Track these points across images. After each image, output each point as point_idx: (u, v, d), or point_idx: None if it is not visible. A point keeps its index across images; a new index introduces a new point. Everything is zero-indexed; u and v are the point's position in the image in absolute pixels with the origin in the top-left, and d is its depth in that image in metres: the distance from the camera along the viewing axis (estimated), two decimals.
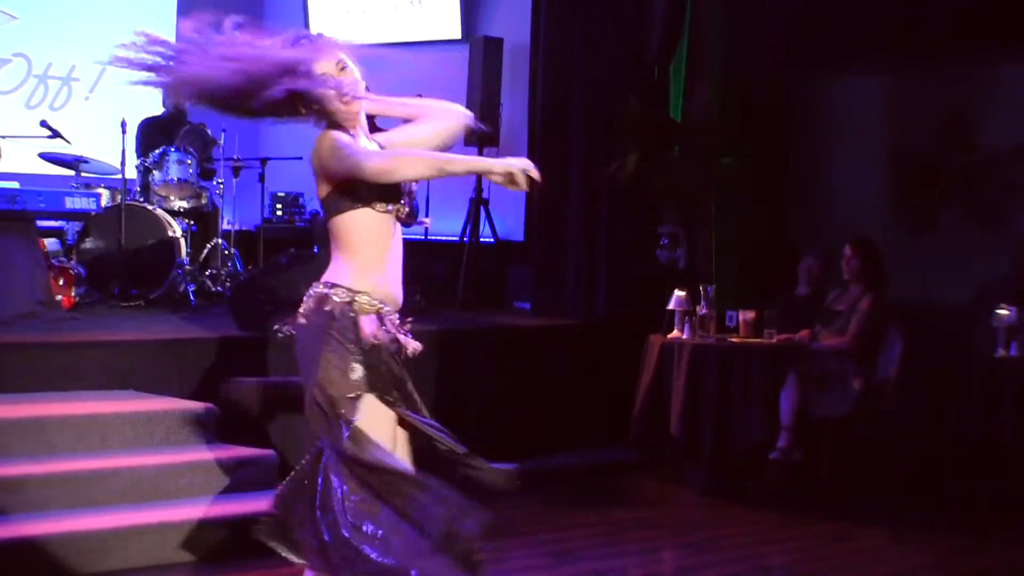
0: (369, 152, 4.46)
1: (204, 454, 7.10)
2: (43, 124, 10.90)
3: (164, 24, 13.80)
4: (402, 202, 4.51)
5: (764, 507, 8.13)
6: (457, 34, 12.74)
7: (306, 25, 13.86)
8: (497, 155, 11.19)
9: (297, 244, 10.93)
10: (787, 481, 8.43)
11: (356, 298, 4.41)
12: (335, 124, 4.48)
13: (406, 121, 4.85)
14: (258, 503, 6.36)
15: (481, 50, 11.40)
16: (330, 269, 4.52)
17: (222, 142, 11.42)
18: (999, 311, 8.28)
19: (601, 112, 10.39)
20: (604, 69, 10.49)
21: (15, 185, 9.60)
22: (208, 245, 11.10)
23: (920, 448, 8.57)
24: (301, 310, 4.51)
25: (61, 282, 9.74)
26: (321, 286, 4.47)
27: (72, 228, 10.75)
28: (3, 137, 10.59)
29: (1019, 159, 9.51)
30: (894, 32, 9.94)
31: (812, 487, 8.40)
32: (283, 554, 4.58)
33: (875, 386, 8.60)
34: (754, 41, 10.42)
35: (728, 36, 10.39)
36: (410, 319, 4.67)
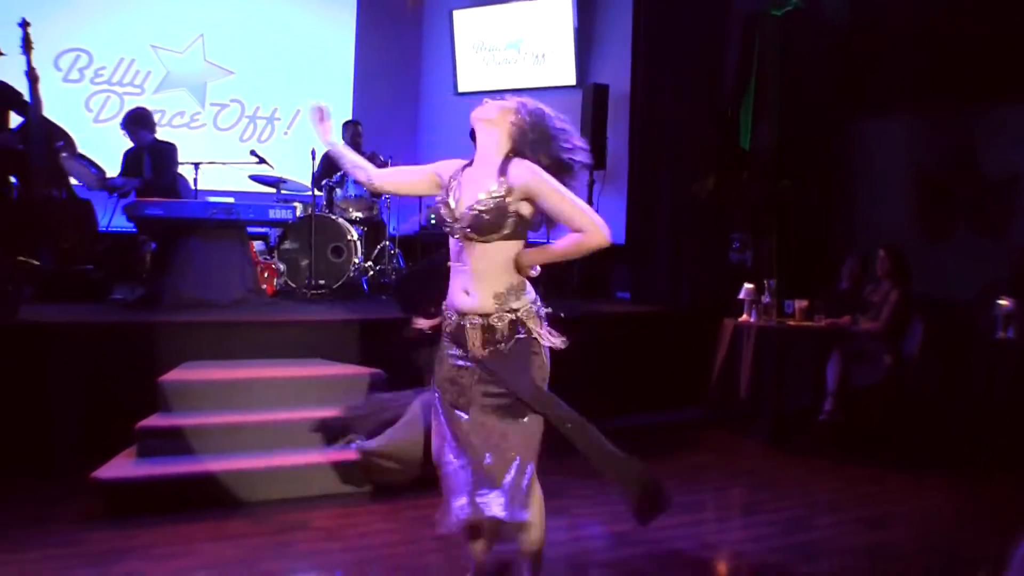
0: None
1: None
2: (252, 153, 10.95)
3: (341, 79, 14.08)
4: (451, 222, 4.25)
5: (812, 456, 8.13)
6: (572, 81, 12.68)
7: (454, 77, 14.02)
8: (604, 178, 11.33)
9: (447, 246, 10.92)
10: (831, 435, 8.48)
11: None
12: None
13: None
14: None
15: (591, 94, 11.35)
16: None
17: (389, 165, 11.44)
18: (999, 302, 8.27)
19: (686, 143, 10.39)
20: (688, 109, 10.46)
21: (231, 200, 9.66)
22: (378, 247, 11.10)
23: (937, 409, 8.56)
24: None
25: (266, 275, 9.96)
26: None
27: (274, 233, 10.81)
28: (224, 163, 10.80)
29: (1014, 185, 9.49)
30: (917, 82, 9.97)
31: (851, 441, 8.42)
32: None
33: (901, 361, 8.61)
34: (806, 87, 10.49)
35: (785, 83, 10.44)
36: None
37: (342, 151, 4.68)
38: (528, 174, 4.10)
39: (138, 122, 10.20)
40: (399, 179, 4.75)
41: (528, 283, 4.28)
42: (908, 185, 10.47)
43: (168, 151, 10.34)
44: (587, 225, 3.97)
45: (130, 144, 10.22)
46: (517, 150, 4.23)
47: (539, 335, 4.20)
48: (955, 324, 8.75)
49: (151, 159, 10.15)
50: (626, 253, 11.06)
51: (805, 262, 10.33)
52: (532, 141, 4.19)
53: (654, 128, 10.71)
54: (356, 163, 4.65)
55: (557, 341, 4.25)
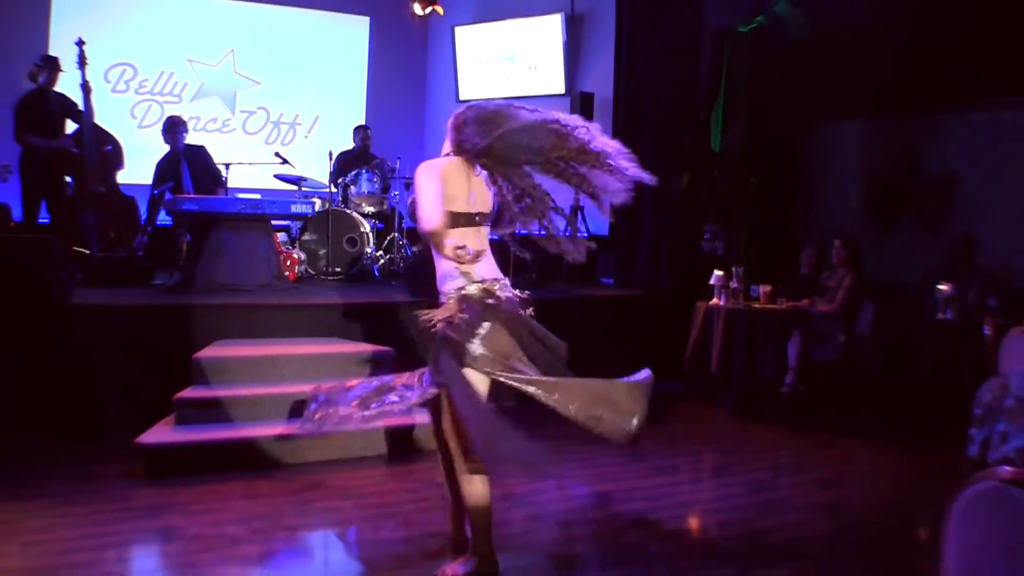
0: None
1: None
2: (276, 154, 11.01)
3: (355, 89, 14.11)
4: None
5: (776, 423, 8.15)
6: (562, 90, 12.68)
7: (456, 85, 14.03)
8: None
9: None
10: (792, 405, 8.51)
11: None
12: None
13: None
14: (418, 416, 6.66)
15: (579, 101, 11.33)
16: None
17: (397, 166, 11.51)
18: (939, 287, 8.33)
19: (663, 145, 10.37)
20: (665, 114, 10.43)
21: (258, 196, 9.69)
22: (388, 237, 11.12)
23: (885, 382, 8.60)
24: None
25: (288, 263, 9.93)
26: None
27: (295, 226, 10.85)
28: (251, 164, 10.93)
29: (951, 183, 9.54)
30: (868, 92, 10.12)
31: (810, 410, 8.46)
32: None
33: (854, 339, 8.67)
34: (770, 96, 10.51)
35: (752, 92, 10.47)
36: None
37: None
38: None
39: (171, 130, 10.41)
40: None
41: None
42: (859, 183, 10.56)
43: (202, 153, 10.50)
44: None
45: (163, 151, 10.33)
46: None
47: None
48: (901, 306, 8.79)
49: (187, 161, 10.28)
50: (610, 243, 11.08)
51: (769, 251, 10.39)
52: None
53: (635, 131, 10.67)
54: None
55: None
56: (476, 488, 4.34)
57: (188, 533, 5.00)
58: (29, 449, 6.43)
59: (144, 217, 10.26)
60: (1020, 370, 2.52)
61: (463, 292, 4.32)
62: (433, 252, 4.43)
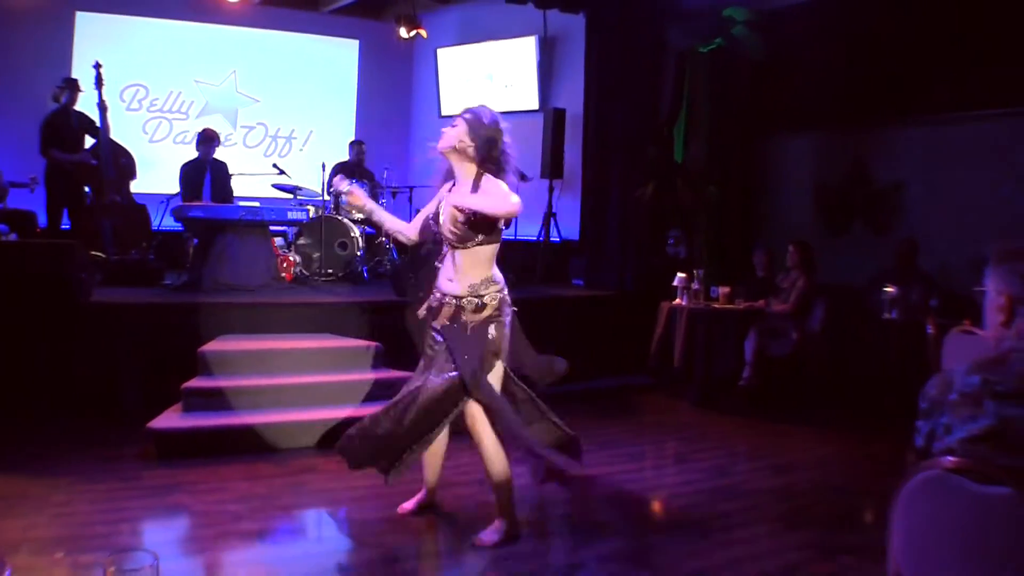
0: None
1: (372, 375, 7.24)
2: (274, 166, 11.00)
3: (346, 105, 14.18)
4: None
5: (734, 415, 8.20)
6: (536, 106, 12.69)
7: (439, 102, 14.05)
8: (562, 186, 11.37)
9: (432, 243, 10.97)
10: (749, 398, 8.55)
11: None
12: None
13: None
14: None
15: (552, 117, 11.33)
16: None
17: (385, 176, 11.54)
18: (885, 288, 8.40)
19: (630, 156, 10.36)
20: (632, 128, 10.39)
21: (257, 204, 9.69)
22: (376, 242, 11.12)
23: (835, 376, 8.65)
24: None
25: (284, 265, 9.90)
26: None
27: (291, 231, 10.78)
28: (252, 175, 11.00)
29: (897, 191, 9.61)
30: (820, 107, 10.13)
31: (765, 402, 8.50)
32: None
33: (807, 337, 8.71)
34: (729, 111, 10.59)
35: (712, 107, 10.56)
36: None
37: (383, 218, 4.93)
38: (493, 190, 4.34)
39: (206, 141, 10.65)
40: (423, 223, 4.81)
41: (498, 275, 4.56)
42: (812, 190, 10.56)
43: (224, 169, 10.80)
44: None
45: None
46: (482, 165, 4.45)
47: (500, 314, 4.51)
48: (850, 306, 8.83)
49: (212, 172, 10.54)
50: (581, 247, 11.10)
51: (728, 255, 10.41)
52: (485, 147, 4.44)
53: (603, 144, 10.70)
54: (397, 228, 4.92)
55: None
56: (499, 466, 4.61)
57: (194, 509, 5.09)
58: (56, 432, 6.50)
59: (155, 224, 10.37)
60: (962, 367, 2.56)
61: (503, 295, 4.55)
62: (461, 257, 4.52)
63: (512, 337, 4.63)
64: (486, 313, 4.48)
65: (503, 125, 4.53)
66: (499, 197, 4.31)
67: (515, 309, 4.67)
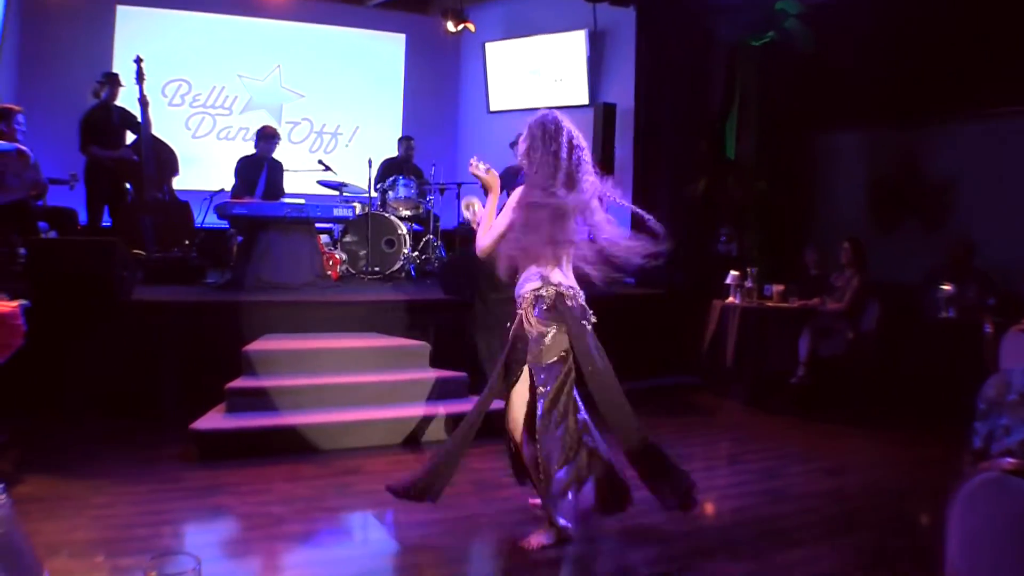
0: None
1: (420, 375, 7.23)
2: (320, 162, 11.09)
3: (392, 101, 14.19)
4: None
5: (785, 414, 8.13)
6: (585, 101, 12.61)
7: (487, 98, 14.07)
8: (612, 182, 11.32)
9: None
10: (801, 398, 8.49)
11: None
12: None
13: None
14: (453, 407, 6.75)
15: (601, 112, 11.34)
16: None
17: (433, 172, 11.57)
18: (941, 287, 8.29)
19: (681, 152, 10.36)
20: (683, 123, 10.42)
21: (302, 201, 9.78)
22: (424, 239, 11.16)
23: (889, 377, 8.54)
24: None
25: (330, 263, 9.98)
26: None
27: (337, 229, 10.84)
28: (296, 171, 10.97)
29: (950, 187, 9.47)
30: (869, 102, 10.03)
31: (817, 402, 8.42)
32: None
33: (861, 336, 8.62)
34: (780, 106, 10.47)
35: (763, 102, 10.46)
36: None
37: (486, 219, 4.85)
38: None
39: (266, 138, 10.57)
40: None
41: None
42: (863, 186, 10.47)
43: (280, 168, 10.76)
44: None
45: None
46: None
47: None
48: (904, 305, 8.73)
49: (268, 169, 10.48)
50: None
51: (782, 253, 10.31)
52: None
53: (654, 139, 10.68)
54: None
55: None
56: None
57: (237, 512, 5.07)
58: (95, 431, 6.53)
59: (198, 221, 10.41)
60: (1021, 367, 2.52)
61: (537, 293, 4.59)
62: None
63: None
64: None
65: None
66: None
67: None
